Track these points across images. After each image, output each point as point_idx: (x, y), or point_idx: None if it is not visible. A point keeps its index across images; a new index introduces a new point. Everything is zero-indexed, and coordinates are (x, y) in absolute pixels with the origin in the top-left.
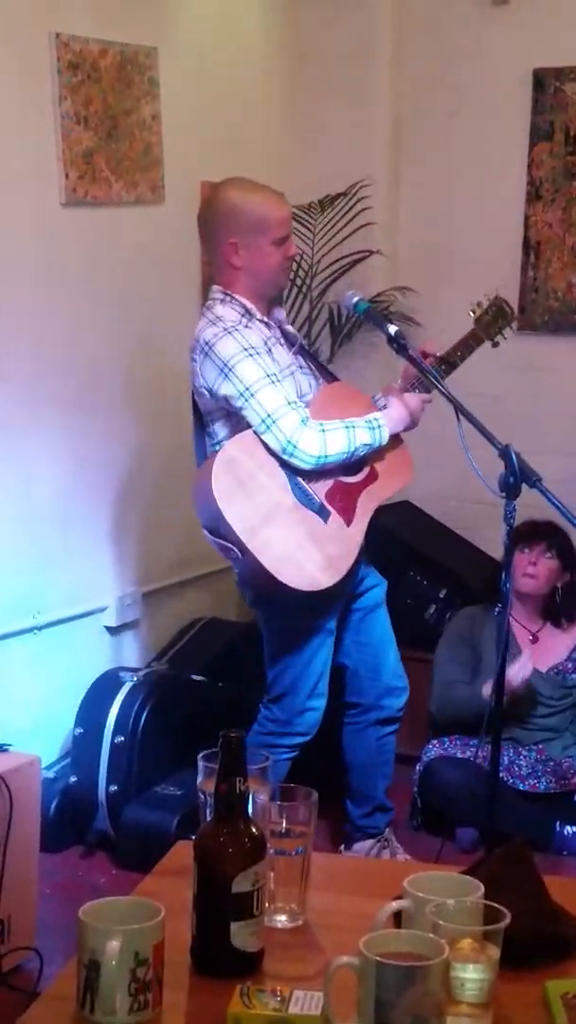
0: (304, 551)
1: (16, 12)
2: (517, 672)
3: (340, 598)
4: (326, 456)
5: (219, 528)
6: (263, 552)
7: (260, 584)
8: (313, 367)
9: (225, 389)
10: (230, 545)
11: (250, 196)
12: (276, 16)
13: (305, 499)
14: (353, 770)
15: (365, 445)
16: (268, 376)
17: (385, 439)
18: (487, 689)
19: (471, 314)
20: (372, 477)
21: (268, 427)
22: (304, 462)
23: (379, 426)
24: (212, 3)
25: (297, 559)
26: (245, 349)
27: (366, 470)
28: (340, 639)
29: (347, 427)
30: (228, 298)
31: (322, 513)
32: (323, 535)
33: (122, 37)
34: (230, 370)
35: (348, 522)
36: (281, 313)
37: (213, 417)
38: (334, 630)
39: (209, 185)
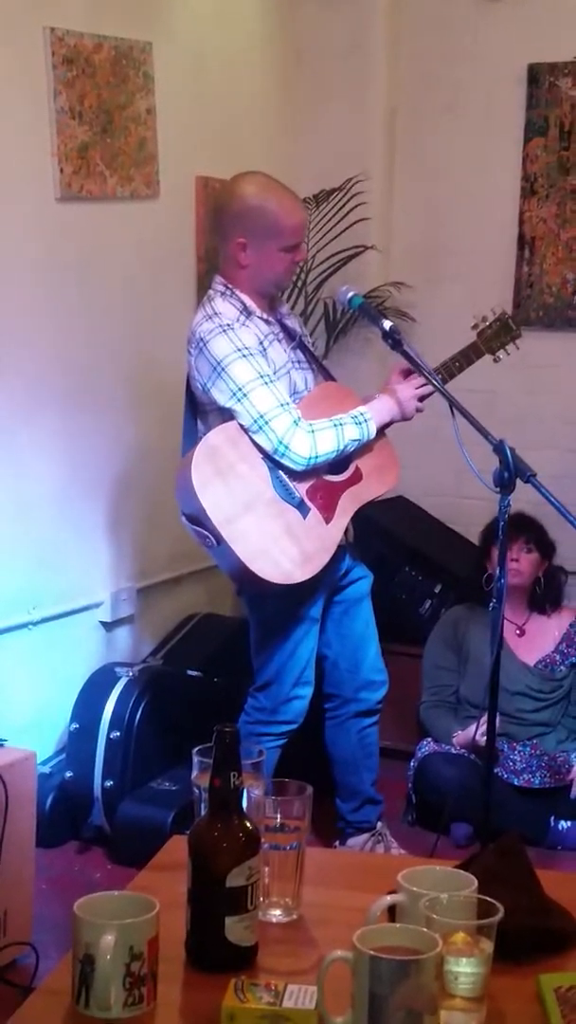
0: (279, 545)
1: (9, 7)
2: (472, 734)
3: (323, 587)
4: (317, 456)
5: (196, 515)
6: (237, 542)
7: (235, 573)
8: (312, 362)
9: (217, 387)
10: (206, 533)
11: (267, 199)
12: (272, 11)
13: (285, 493)
14: (337, 764)
15: (354, 440)
16: (261, 377)
17: (373, 432)
18: (458, 740)
19: (474, 328)
20: (356, 477)
21: (260, 427)
22: (295, 463)
23: (366, 420)
24: None
25: (271, 552)
26: (239, 349)
27: (351, 469)
28: (322, 630)
29: (335, 425)
30: (229, 292)
31: (301, 508)
32: (300, 530)
33: (116, 32)
34: (223, 369)
35: (327, 520)
36: (284, 307)
37: (208, 408)
38: (319, 618)
39: (204, 179)
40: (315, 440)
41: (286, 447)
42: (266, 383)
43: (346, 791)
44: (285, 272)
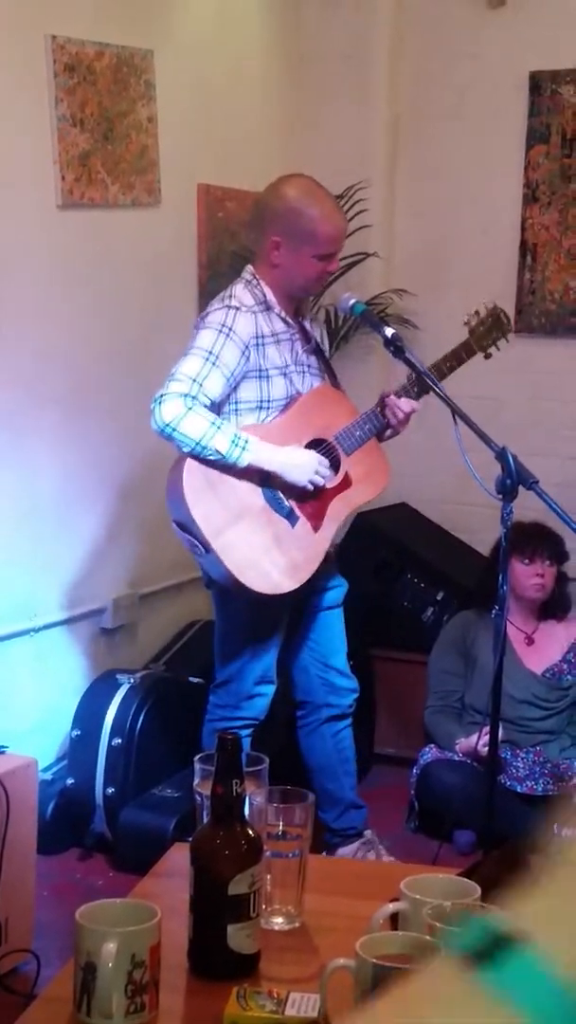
0: (269, 556)
1: (11, 14)
2: (474, 742)
3: (297, 594)
4: (173, 429)
5: (186, 524)
6: (226, 553)
7: (224, 582)
8: (326, 371)
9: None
10: (195, 541)
11: (310, 206)
12: (273, 19)
13: (274, 502)
14: (315, 773)
15: (216, 452)
16: (210, 353)
17: (242, 463)
18: (460, 747)
19: (466, 324)
20: (346, 483)
21: (168, 380)
22: (153, 420)
23: (242, 447)
24: (209, 5)
25: (260, 562)
26: (225, 324)
27: (340, 475)
28: (293, 635)
29: (212, 423)
30: (254, 282)
31: (290, 518)
32: (289, 539)
33: (118, 39)
34: (200, 329)
35: (316, 528)
36: (308, 314)
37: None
38: (287, 621)
39: (206, 187)
40: (185, 416)
41: (158, 403)
42: (207, 360)
43: (327, 799)
44: (315, 279)
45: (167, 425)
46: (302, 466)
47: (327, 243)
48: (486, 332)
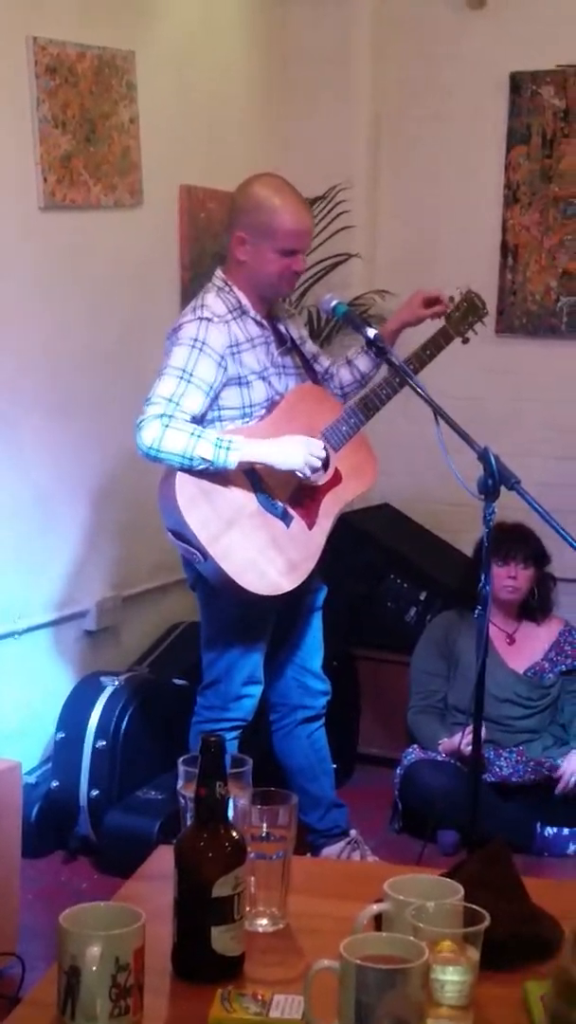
0: (265, 556)
1: None
2: (457, 742)
3: (286, 595)
4: (157, 450)
5: (182, 532)
6: (224, 558)
7: (222, 585)
8: (303, 368)
9: (165, 354)
10: (193, 549)
11: (272, 200)
12: (255, 20)
13: (268, 504)
14: (295, 775)
15: (203, 459)
16: (184, 371)
17: (231, 464)
18: (443, 747)
19: None
20: (336, 479)
21: (145, 404)
22: (137, 445)
23: (227, 448)
24: (191, 6)
25: (258, 564)
26: (197, 339)
27: (330, 472)
28: (274, 637)
29: (192, 433)
30: (227, 289)
31: (285, 518)
32: (285, 539)
33: (99, 41)
34: (174, 345)
35: (310, 525)
36: (283, 312)
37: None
38: (273, 620)
39: (188, 188)
40: (163, 434)
41: (138, 430)
42: (181, 378)
43: (309, 801)
44: (279, 277)
45: (150, 448)
46: (295, 451)
47: (286, 237)
48: (462, 317)
